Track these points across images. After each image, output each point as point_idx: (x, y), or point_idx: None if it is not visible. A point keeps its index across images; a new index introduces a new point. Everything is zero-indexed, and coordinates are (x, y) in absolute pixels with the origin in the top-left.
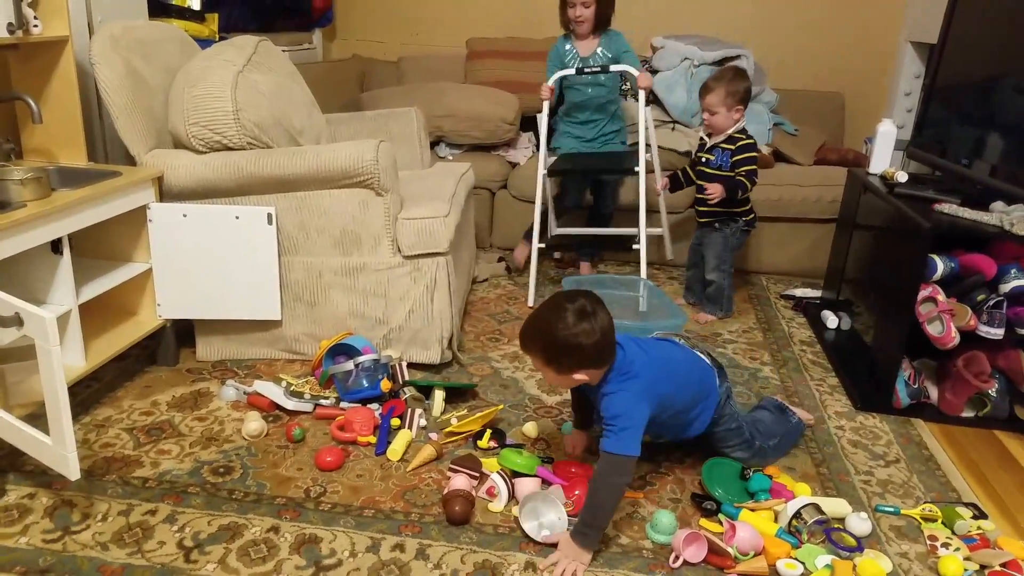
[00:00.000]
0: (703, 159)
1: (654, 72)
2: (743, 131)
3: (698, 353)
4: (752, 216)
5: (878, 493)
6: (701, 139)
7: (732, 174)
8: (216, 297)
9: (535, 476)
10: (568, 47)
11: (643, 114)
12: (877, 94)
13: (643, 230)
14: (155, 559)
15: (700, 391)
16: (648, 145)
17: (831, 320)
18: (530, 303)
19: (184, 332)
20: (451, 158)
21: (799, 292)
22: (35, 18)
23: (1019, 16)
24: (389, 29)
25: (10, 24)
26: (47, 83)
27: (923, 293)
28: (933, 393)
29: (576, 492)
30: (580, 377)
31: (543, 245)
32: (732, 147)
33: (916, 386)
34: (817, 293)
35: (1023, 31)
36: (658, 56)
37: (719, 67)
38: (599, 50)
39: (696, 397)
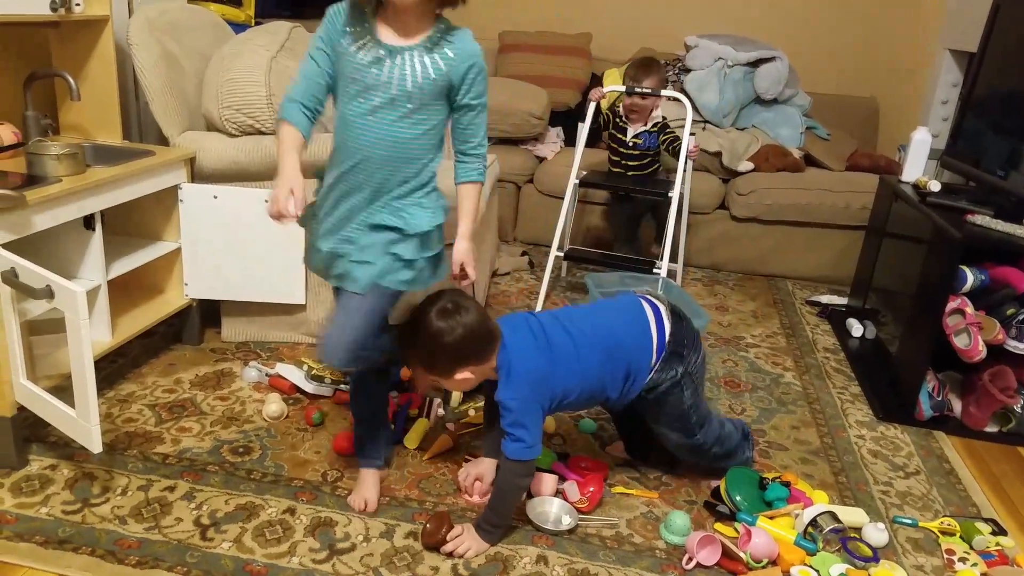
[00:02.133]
0: (631, 143)
1: (687, 71)
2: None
3: (658, 311)
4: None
5: (896, 504)
6: (618, 123)
7: (660, 146)
8: (242, 279)
9: (551, 472)
10: (360, 24)
11: (686, 143)
12: (912, 101)
13: (666, 254)
14: (172, 535)
15: (623, 366)
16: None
17: (856, 328)
18: (538, 309)
19: (209, 312)
20: None
21: (825, 299)
22: None
23: None
24: None
25: (53, 1)
26: (86, 61)
27: (951, 305)
28: (957, 406)
29: (590, 488)
30: (464, 376)
31: (560, 254)
32: (655, 129)
33: (940, 398)
34: (843, 300)
35: None
36: (691, 55)
37: (753, 68)
38: (424, 53)
39: (616, 371)
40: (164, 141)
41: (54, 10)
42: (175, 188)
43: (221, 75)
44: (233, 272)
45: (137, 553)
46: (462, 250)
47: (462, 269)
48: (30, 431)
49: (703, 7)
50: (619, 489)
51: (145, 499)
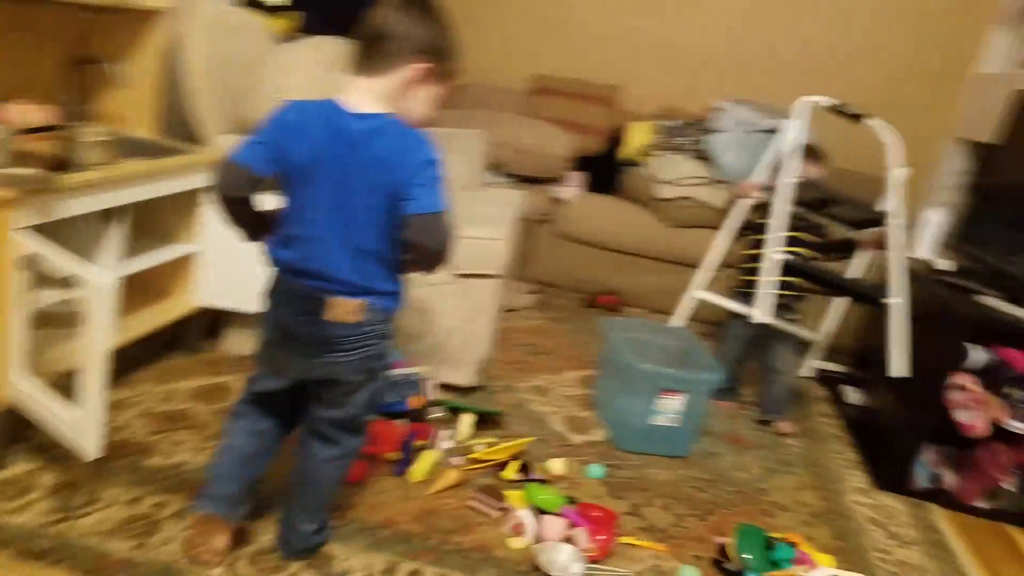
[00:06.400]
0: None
1: (707, 132)
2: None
3: None
4: None
5: (895, 573)
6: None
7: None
8: (255, 290)
9: (560, 515)
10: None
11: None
12: (923, 181)
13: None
14: (159, 556)
15: None
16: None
17: (854, 395)
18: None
19: (208, 322)
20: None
21: (823, 364)
22: None
23: None
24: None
25: None
26: (133, 52)
27: (955, 380)
28: (951, 479)
29: (601, 536)
30: None
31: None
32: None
33: (934, 470)
34: (842, 368)
35: None
36: (715, 116)
37: (770, 134)
38: None
39: None
40: (197, 142)
41: None
42: (201, 190)
43: (266, 82)
44: (247, 282)
45: (121, 574)
46: None
47: None
48: (13, 431)
49: (730, 72)
50: (626, 539)
51: (132, 514)
